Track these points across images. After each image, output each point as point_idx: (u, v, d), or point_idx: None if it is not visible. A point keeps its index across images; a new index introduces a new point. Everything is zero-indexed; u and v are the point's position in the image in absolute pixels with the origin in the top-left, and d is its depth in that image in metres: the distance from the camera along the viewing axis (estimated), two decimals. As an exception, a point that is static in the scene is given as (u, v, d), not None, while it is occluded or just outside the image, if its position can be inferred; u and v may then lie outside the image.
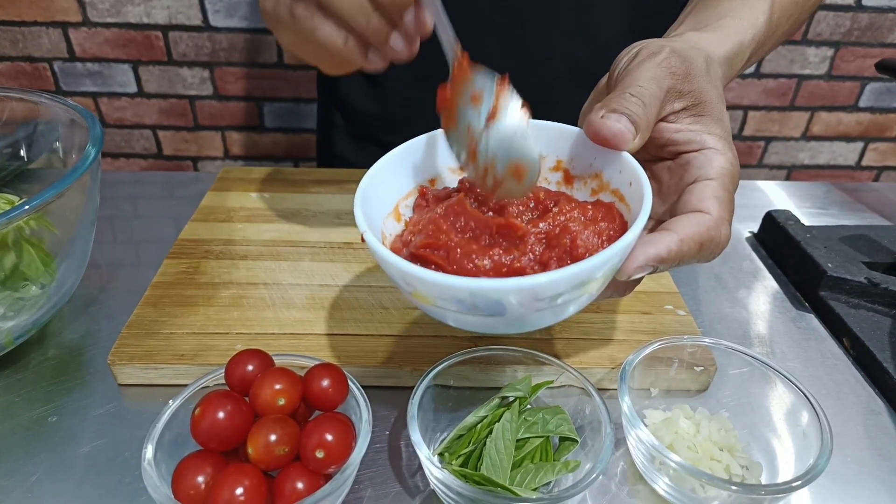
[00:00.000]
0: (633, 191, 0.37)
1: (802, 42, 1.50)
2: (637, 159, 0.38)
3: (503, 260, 0.36)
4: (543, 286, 0.31)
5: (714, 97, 0.40)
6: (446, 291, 0.32)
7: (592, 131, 0.38)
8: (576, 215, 0.38)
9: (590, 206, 0.39)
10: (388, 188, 0.42)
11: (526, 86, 0.73)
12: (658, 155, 0.41)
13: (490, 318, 0.34)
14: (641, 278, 0.38)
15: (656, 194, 0.41)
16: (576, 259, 0.35)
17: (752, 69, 1.53)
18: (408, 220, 0.43)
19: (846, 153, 1.69)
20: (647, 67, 0.38)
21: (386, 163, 0.41)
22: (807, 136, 1.65)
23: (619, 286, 0.39)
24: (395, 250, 0.39)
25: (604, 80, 0.44)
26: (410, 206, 0.43)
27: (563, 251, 0.36)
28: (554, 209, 0.38)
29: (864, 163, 1.71)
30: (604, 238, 0.37)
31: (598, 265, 0.32)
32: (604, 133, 0.37)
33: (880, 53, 1.51)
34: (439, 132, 0.43)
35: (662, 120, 0.39)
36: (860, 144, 1.67)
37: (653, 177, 0.41)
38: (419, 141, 0.43)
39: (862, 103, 1.60)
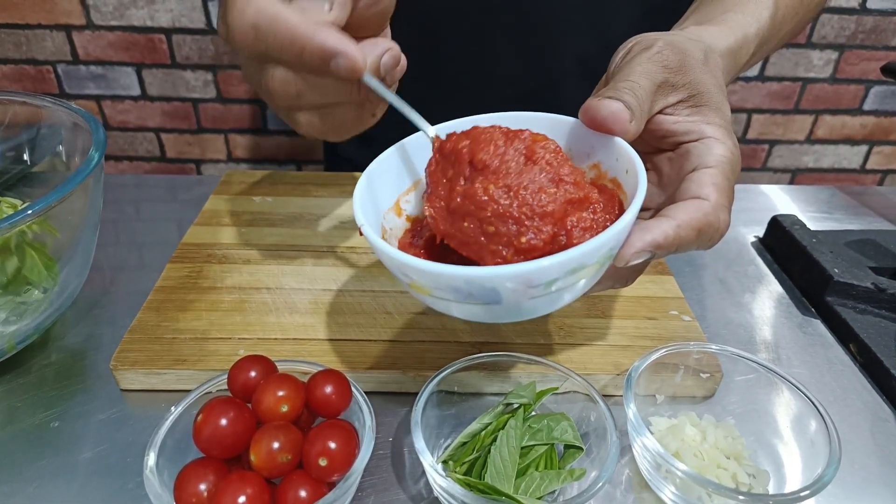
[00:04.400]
0: (630, 178, 0.37)
1: (807, 45, 1.50)
2: (637, 151, 0.38)
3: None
4: (537, 272, 0.31)
5: (712, 87, 0.40)
6: (442, 280, 0.33)
7: (589, 116, 0.38)
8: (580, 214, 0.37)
9: (594, 191, 0.38)
10: (388, 183, 0.42)
11: (534, 83, 0.73)
12: (658, 146, 0.41)
13: (487, 307, 0.34)
14: (642, 268, 0.38)
15: (657, 185, 0.41)
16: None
17: (756, 72, 1.53)
18: (408, 215, 0.43)
19: (851, 157, 1.68)
20: (639, 62, 0.39)
21: (386, 159, 0.42)
22: (811, 140, 1.65)
23: (620, 276, 0.39)
24: (403, 246, 0.39)
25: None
26: (411, 201, 0.43)
27: (557, 247, 0.35)
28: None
29: (869, 166, 1.70)
30: (599, 229, 0.36)
31: (592, 251, 0.32)
32: (602, 113, 0.37)
33: (885, 56, 1.51)
34: (437, 126, 0.43)
35: (660, 113, 0.39)
36: (865, 148, 1.67)
37: (653, 168, 0.42)
38: (419, 136, 0.43)
39: (866, 106, 1.59)
